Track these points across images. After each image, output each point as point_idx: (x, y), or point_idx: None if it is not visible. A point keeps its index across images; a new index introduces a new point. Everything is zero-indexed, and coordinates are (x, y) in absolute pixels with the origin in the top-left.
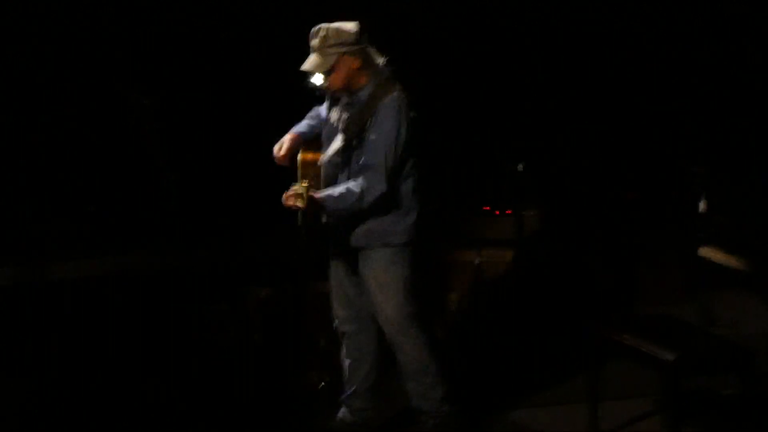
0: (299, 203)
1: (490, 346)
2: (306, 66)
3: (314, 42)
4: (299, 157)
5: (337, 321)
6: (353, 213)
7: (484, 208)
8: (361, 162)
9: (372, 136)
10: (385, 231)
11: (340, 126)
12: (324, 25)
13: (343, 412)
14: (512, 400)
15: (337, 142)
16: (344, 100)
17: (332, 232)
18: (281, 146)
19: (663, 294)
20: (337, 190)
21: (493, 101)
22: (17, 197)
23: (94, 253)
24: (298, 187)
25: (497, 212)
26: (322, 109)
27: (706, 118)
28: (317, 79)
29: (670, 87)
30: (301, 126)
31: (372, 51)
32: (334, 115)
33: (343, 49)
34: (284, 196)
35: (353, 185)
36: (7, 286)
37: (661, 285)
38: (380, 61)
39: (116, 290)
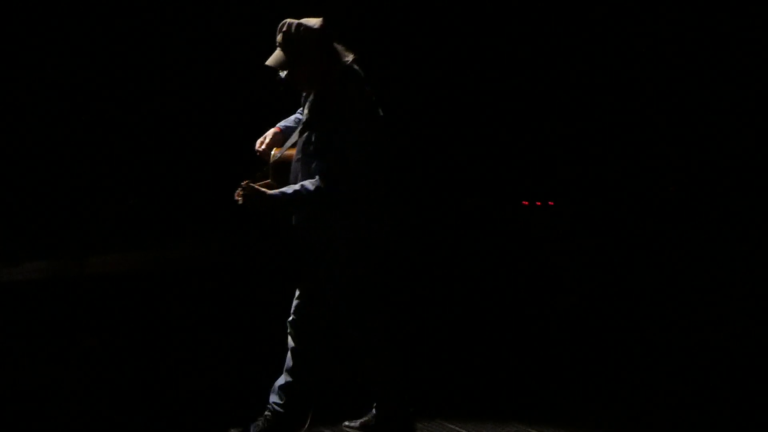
0: (240, 199)
1: None
2: (269, 61)
3: (278, 37)
4: (273, 152)
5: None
6: (312, 211)
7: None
8: (319, 161)
9: (334, 135)
10: (343, 230)
11: (302, 125)
12: (288, 21)
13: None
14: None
15: (302, 139)
16: (309, 97)
17: (298, 231)
18: (264, 140)
19: None
20: (292, 188)
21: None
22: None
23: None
24: (245, 183)
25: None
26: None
27: None
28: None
29: None
30: (288, 120)
31: (339, 48)
32: (304, 112)
33: (307, 46)
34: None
35: (308, 183)
36: (47, 279)
37: None
38: (347, 58)
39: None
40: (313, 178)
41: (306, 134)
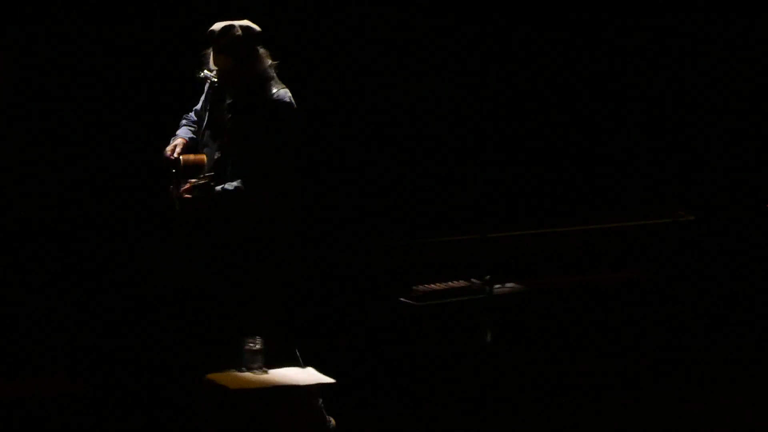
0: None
1: None
2: (211, 64)
3: (222, 40)
4: (182, 159)
5: None
6: (236, 211)
7: None
8: (244, 161)
9: (261, 135)
10: (267, 232)
11: (228, 125)
12: (229, 23)
13: None
14: None
15: (222, 141)
16: (230, 98)
17: (215, 229)
18: (174, 148)
19: None
20: (231, 184)
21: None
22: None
23: None
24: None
25: None
26: (193, 114)
27: None
28: (210, 74)
29: None
30: (185, 132)
31: (263, 52)
32: (218, 114)
33: (251, 47)
34: (179, 191)
35: (237, 183)
36: None
37: None
38: (270, 62)
39: None
40: (238, 180)
41: (229, 135)
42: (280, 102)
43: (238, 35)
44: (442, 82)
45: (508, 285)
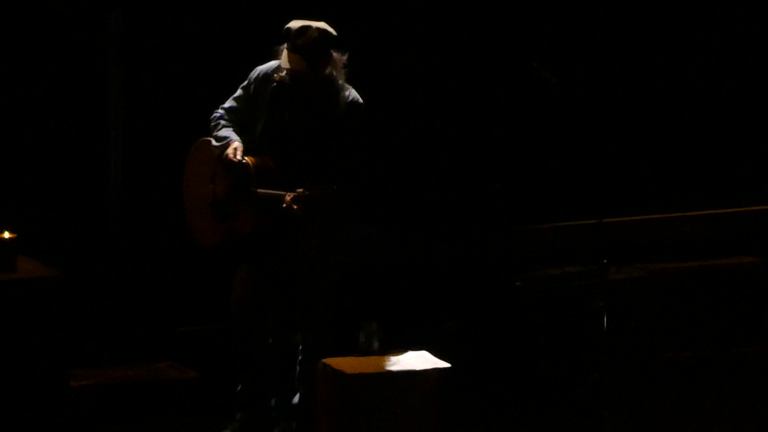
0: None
1: None
2: (291, 64)
3: (299, 41)
4: (250, 162)
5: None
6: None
7: None
8: (335, 165)
9: (348, 139)
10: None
11: (306, 128)
12: (310, 24)
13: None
14: None
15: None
16: (302, 101)
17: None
18: (235, 151)
19: None
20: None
21: None
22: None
23: None
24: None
25: None
26: (224, 113)
27: None
28: (282, 75)
29: None
30: (232, 133)
31: (337, 56)
32: (285, 116)
33: (317, 51)
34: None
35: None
36: None
37: None
38: (342, 66)
39: None
40: (341, 174)
41: (310, 134)
42: (358, 104)
43: (315, 38)
44: (564, 71)
45: (625, 269)
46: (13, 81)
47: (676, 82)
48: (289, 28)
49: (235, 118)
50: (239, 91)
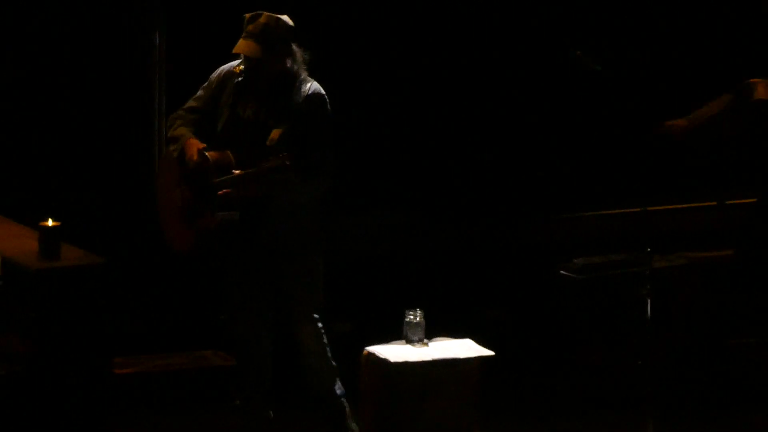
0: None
1: None
2: (245, 50)
3: (251, 27)
4: (210, 156)
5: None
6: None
7: None
8: (296, 155)
9: (309, 130)
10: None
11: (269, 122)
12: (266, 13)
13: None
14: None
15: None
16: (262, 94)
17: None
18: (191, 147)
19: None
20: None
21: None
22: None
23: None
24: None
25: None
26: (183, 112)
27: None
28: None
29: None
30: (189, 132)
31: (296, 49)
32: (245, 109)
33: (285, 40)
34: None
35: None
36: None
37: None
38: (301, 59)
39: None
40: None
41: (273, 127)
42: (318, 95)
43: (266, 23)
44: (608, 59)
45: (668, 258)
46: (62, 74)
47: (719, 70)
48: (243, 17)
49: (193, 118)
50: (199, 92)
